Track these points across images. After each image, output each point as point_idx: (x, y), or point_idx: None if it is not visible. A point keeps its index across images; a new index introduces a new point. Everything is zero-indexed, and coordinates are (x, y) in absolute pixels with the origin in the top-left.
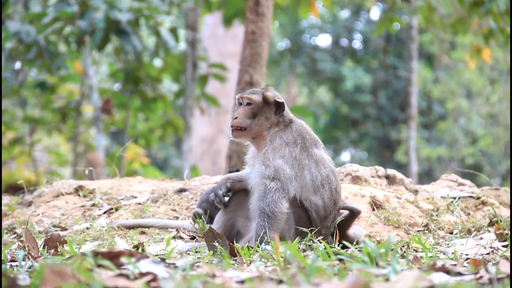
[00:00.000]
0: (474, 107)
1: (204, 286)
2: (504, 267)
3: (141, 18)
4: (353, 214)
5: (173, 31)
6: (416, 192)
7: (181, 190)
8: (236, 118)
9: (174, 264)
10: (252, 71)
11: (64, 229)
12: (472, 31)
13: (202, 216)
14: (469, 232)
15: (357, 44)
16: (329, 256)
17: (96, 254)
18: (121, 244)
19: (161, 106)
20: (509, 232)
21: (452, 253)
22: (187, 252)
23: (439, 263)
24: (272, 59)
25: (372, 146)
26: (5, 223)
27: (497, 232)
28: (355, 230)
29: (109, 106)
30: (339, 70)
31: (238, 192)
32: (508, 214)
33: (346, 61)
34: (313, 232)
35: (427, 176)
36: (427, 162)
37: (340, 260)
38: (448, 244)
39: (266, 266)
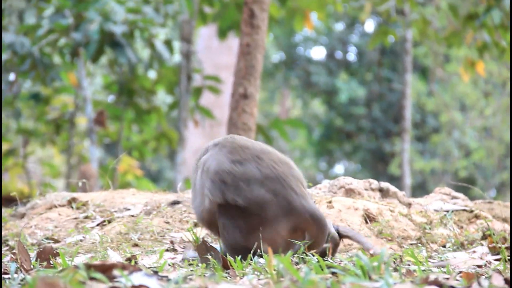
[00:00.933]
0: (468, 120)
1: None
2: (497, 280)
3: (135, 30)
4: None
5: (168, 43)
6: (409, 205)
7: (175, 203)
8: None
9: (166, 277)
10: (247, 83)
11: (57, 241)
12: (467, 44)
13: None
14: (462, 245)
15: (351, 56)
16: (322, 269)
17: (88, 266)
18: (114, 256)
19: (155, 118)
20: (508, 243)
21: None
22: (191, 259)
23: (432, 277)
24: (267, 72)
25: (366, 158)
26: None
27: (490, 245)
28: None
29: (103, 118)
30: (334, 83)
31: None
32: (501, 227)
33: (341, 73)
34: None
35: (420, 189)
36: (420, 175)
37: (333, 273)
38: (441, 258)
39: (259, 279)
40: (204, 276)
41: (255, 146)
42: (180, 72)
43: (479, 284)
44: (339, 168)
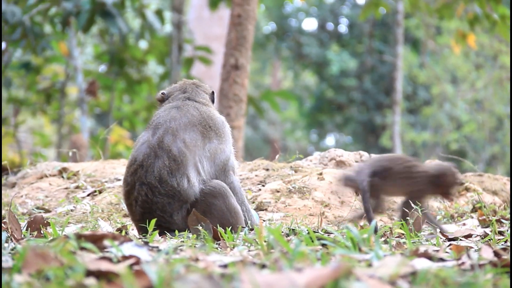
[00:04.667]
0: (459, 93)
1: (187, 270)
2: (486, 253)
3: (126, 0)
4: None
5: (159, 13)
6: None
7: None
8: None
9: (157, 247)
10: (238, 54)
11: (47, 211)
12: (458, 16)
13: None
14: (452, 218)
15: (343, 28)
16: (312, 241)
17: (79, 236)
18: (105, 226)
19: (146, 89)
20: (498, 216)
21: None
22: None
23: (421, 249)
24: (258, 43)
25: (357, 130)
26: None
27: (480, 218)
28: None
29: (95, 88)
30: (325, 54)
31: None
32: (491, 200)
33: (332, 45)
34: None
35: None
36: (411, 147)
37: (323, 245)
38: (431, 230)
39: (249, 251)
40: (195, 247)
41: None
42: (171, 42)
43: (469, 256)
44: (330, 140)
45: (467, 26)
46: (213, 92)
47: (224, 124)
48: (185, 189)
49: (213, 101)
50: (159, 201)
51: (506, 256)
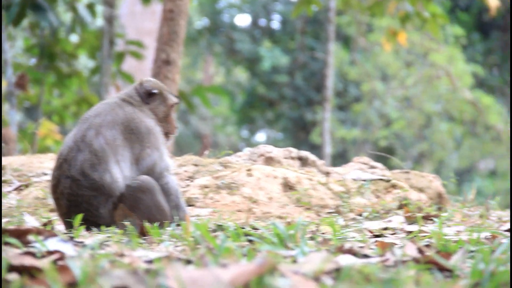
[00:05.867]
0: (389, 90)
1: (112, 265)
2: (410, 250)
3: None
4: None
5: (90, 7)
6: (328, 174)
7: None
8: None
9: (82, 242)
10: (169, 49)
11: None
12: (389, 14)
13: None
14: (378, 214)
15: (275, 24)
16: (239, 237)
17: (3, 231)
18: (30, 221)
19: (76, 83)
20: (424, 213)
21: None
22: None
23: (346, 245)
24: (190, 38)
25: (288, 127)
26: None
27: (405, 215)
28: None
29: (24, 81)
30: (257, 51)
31: None
32: (417, 197)
33: (264, 41)
34: None
35: (341, 158)
36: (341, 144)
37: (250, 241)
38: (357, 226)
39: (176, 246)
40: (121, 242)
41: None
42: (103, 36)
43: (393, 253)
44: (260, 136)
45: (398, 24)
46: (153, 93)
47: (149, 129)
48: (108, 183)
49: (150, 103)
50: (85, 194)
51: (429, 252)
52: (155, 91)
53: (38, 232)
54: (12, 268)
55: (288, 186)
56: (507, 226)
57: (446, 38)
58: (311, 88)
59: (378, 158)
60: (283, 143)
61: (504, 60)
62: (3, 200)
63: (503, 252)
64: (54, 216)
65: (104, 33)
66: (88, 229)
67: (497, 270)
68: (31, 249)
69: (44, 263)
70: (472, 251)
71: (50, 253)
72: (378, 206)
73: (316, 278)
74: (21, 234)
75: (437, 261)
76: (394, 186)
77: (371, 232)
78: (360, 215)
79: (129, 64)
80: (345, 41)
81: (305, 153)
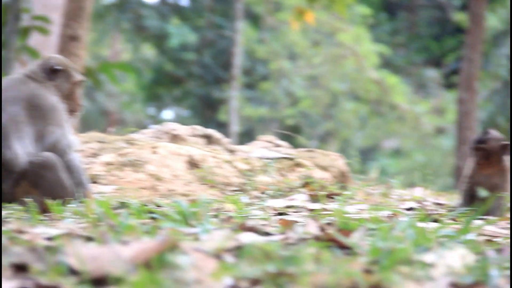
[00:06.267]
0: (297, 69)
1: (11, 242)
2: (312, 228)
3: None
4: None
5: None
6: (233, 152)
7: None
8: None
9: None
10: (76, 25)
11: None
12: None
13: None
14: (282, 192)
15: (184, 1)
16: (142, 214)
17: None
18: None
19: None
20: (327, 191)
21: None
22: None
23: (249, 223)
24: (97, 14)
25: (195, 104)
26: None
27: (309, 193)
28: None
29: None
30: (165, 27)
31: None
32: (321, 175)
33: (173, 18)
34: None
35: (248, 136)
36: (248, 122)
37: (154, 218)
38: (261, 204)
39: (78, 224)
40: (22, 219)
41: None
42: (7, 11)
43: (294, 231)
44: (168, 113)
45: (306, 3)
46: (57, 70)
47: (53, 105)
48: (7, 159)
49: (54, 79)
50: None
51: (330, 230)
52: (59, 67)
53: None
54: None
55: (193, 164)
56: (408, 204)
57: (353, 18)
58: (219, 66)
59: (284, 137)
60: (190, 121)
61: (410, 40)
62: None
63: (402, 230)
64: None
65: (9, 8)
66: None
67: (395, 248)
68: None
69: None
70: (372, 229)
71: None
72: (282, 184)
73: (218, 256)
74: None
75: (337, 239)
76: (298, 165)
77: (274, 210)
78: (264, 193)
79: (35, 39)
80: (254, 19)
81: (210, 131)
